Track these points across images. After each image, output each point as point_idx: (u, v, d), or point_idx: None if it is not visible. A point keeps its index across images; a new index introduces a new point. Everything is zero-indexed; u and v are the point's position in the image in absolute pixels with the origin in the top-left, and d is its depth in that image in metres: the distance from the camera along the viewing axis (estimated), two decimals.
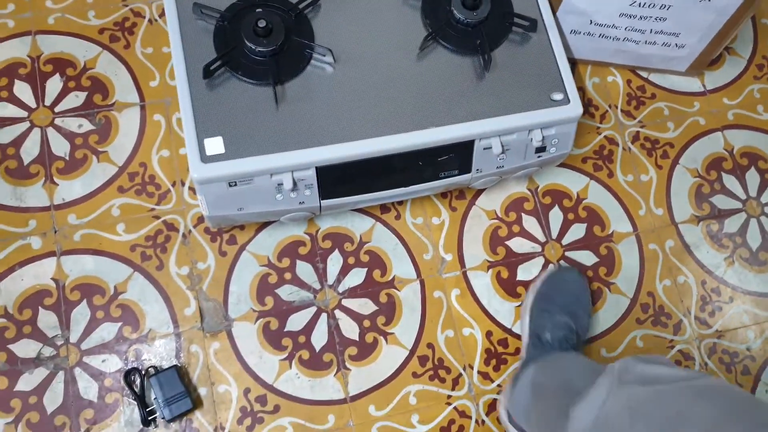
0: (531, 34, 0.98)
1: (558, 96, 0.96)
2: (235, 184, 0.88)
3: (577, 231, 1.10)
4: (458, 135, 0.93)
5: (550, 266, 1.07)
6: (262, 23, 0.88)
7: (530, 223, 1.10)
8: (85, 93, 1.09)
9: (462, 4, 0.95)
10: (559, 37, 0.98)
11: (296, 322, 0.99)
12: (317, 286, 1.02)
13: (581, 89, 1.20)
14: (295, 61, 0.92)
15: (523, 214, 1.10)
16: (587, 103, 1.20)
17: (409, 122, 0.91)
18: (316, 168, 0.90)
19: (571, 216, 1.11)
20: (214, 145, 0.87)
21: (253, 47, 0.89)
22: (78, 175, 1.04)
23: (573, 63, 1.21)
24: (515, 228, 1.09)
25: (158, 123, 1.08)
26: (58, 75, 1.10)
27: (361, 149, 0.90)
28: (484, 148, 0.96)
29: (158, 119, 1.09)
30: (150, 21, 1.14)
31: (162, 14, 1.14)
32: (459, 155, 0.97)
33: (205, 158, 0.86)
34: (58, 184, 1.03)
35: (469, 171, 0.99)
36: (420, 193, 1.03)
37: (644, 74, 1.23)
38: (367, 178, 0.96)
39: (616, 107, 1.20)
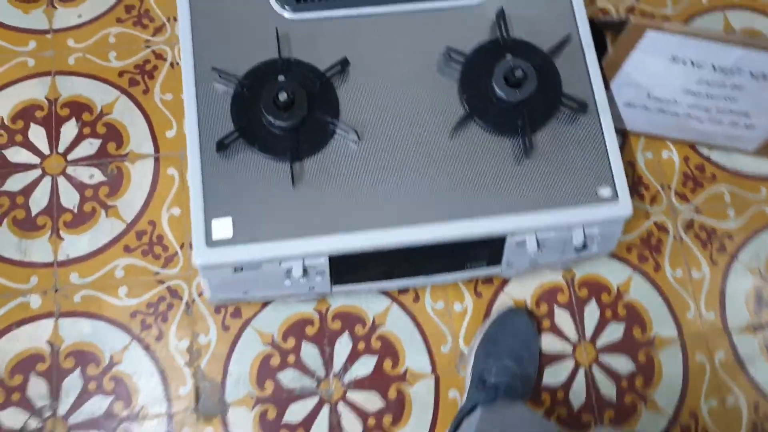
0: (580, 116, 0.88)
1: (605, 192, 0.86)
2: (241, 269, 0.81)
3: (614, 331, 1.00)
4: (489, 230, 0.84)
5: (502, 307, 0.97)
6: (283, 96, 0.81)
7: (563, 318, 1.00)
8: (100, 141, 1.04)
9: (504, 81, 0.85)
10: (612, 122, 0.88)
11: (296, 412, 0.91)
12: (322, 373, 0.94)
13: (631, 164, 1.09)
14: (317, 135, 0.84)
15: (555, 306, 1.00)
16: (637, 181, 1.09)
17: (435, 212, 0.83)
18: (330, 256, 0.82)
19: (608, 313, 1.01)
20: (222, 227, 0.80)
21: (272, 120, 0.82)
22: (85, 230, 0.99)
23: (624, 134, 1.10)
24: (546, 323, 0.99)
25: (171, 178, 1.02)
26: (74, 119, 1.05)
27: (380, 240, 0.82)
28: (518, 243, 0.86)
29: (172, 173, 1.02)
30: (172, 65, 1.08)
31: None
32: (489, 247, 0.87)
33: (211, 242, 0.79)
34: (63, 239, 0.98)
35: (498, 263, 0.90)
36: (442, 282, 0.94)
37: (705, 151, 1.11)
38: (385, 266, 0.87)
39: (670, 188, 1.08)
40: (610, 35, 0.95)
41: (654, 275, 1.04)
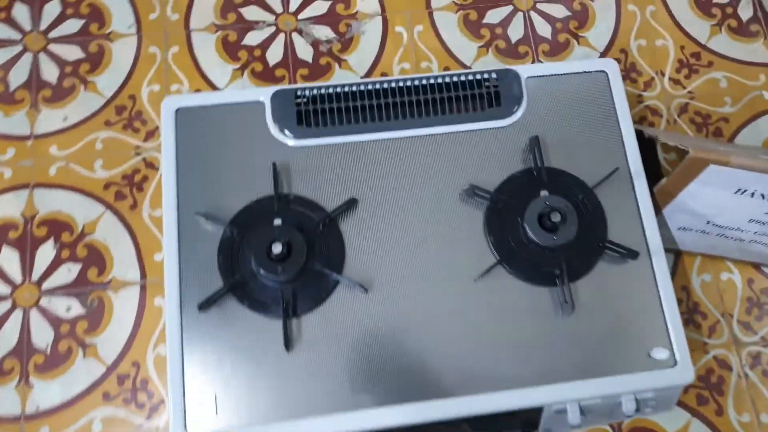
0: (629, 261, 0.74)
1: (661, 354, 0.72)
2: None
3: None
4: (522, 404, 0.70)
5: None
6: (277, 248, 0.68)
7: None
8: (80, 266, 0.92)
9: (539, 223, 0.72)
10: (667, 270, 0.74)
11: None
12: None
13: (685, 289, 0.94)
14: (316, 288, 0.71)
15: None
16: (692, 308, 0.94)
17: (458, 383, 0.70)
18: None
19: None
20: (204, 409, 0.68)
21: (265, 274, 0.69)
22: (58, 374, 0.87)
23: (676, 254, 0.95)
24: None
25: (158, 310, 0.90)
26: (51, 240, 0.93)
27: (394, 419, 0.68)
28: (557, 411, 0.73)
29: (159, 304, 0.90)
30: None
31: None
32: (522, 416, 0.74)
33: (193, 426, 0.67)
34: (33, 386, 0.86)
35: (534, 430, 0.76)
36: None
37: None
38: None
39: (731, 317, 0.93)
40: (661, 146, 0.81)
41: (716, 420, 0.89)
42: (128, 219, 0.95)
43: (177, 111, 0.78)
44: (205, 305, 0.69)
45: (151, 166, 0.98)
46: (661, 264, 0.74)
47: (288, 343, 0.69)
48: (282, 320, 0.69)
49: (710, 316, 0.94)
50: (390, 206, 0.75)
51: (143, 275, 0.92)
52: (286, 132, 0.77)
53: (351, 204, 0.74)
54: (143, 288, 0.91)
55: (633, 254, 0.72)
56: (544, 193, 0.74)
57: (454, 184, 0.76)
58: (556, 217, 0.70)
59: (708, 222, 0.84)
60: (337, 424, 0.68)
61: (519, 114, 0.79)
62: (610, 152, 0.78)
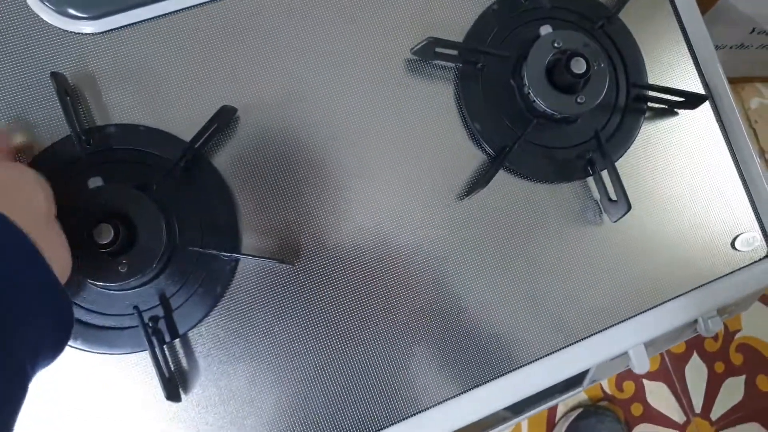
0: (681, 115, 0.47)
1: (749, 243, 0.47)
2: None
3: (731, 391, 0.66)
4: (575, 369, 0.45)
5: (571, 406, 0.64)
6: (104, 235, 0.36)
7: (658, 395, 0.64)
8: None
9: (549, 82, 0.42)
10: (739, 118, 0.47)
11: None
12: None
13: None
14: (201, 284, 0.40)
15: (645, 381, 0.64)
16: None
17: (469, 370, 0.43)
18: None
19: (719, 367, 0.66)
20: None
21: (99, 283, 0.37)
22: None
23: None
24: (636, 409, 0.64)
25: None
26: None
27: None
28: (612, 359, 0.48)
29: None
30: None
31: None
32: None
33: None
34: None
35: (579, 385, 0.52)
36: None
37: None
38: None
39: None
40: None
41: None
42: None
43: None
44: None
45: None
46: (730, 110, 0.47)
47: (171, 392, 0.38)
48: (150, 354, 0.38)
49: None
50: (292, 108, 0.43)
51: None
52: (71, 11, 0.41)
53: (225, 117, 0.40)
54: None
55: (694, 100, 0.45)
56: (545, 29, 0.44)
57: (396, 47, 0.44)
58: (578, 67, 0.41)
59: (753, 30, 0.57)
60: None
61: None
62: None
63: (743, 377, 0.67)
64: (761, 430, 0.66)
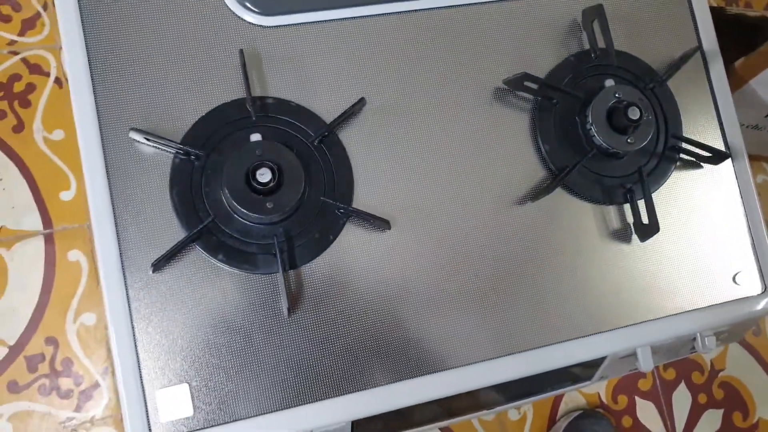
0: (704, 168, 0.59)
1: (748, 279, 0.58)
2: None
3: (710, 421, 0.76)
4: (591, 354, 0.55)
5: (570, 408, 0.73)
6: (264, 176, 0.47)
7: (647, 412, 0.74)
8: None
9: (608, 122, 0.54)
10: (751, 176, 0.59)
11: None
12: None
13: None
14: (319, 228, 0.51)
15: (637, 397, 0.74)
16: None
17: (512, 336, 0.53)
18: (354, 422, 0.51)
19: (702, 398, 0.76)
20: (175, 401, 0.47)
21: (248, 214, 0.48)
22: None
23: None
24: (626, 421, 0.74)
25: (75, 265, 0.66)
26: None
27: (432, 391, 0.51)
28: (622, 358, 0.59)
29: (75, 259, 0.66)
30: (58, 81, 0.69)
31: None
32: (580, 367, 0.59)
33: (159, 426, 0.46)
34: None
35: (588, 379, 0.62)
36: (502, 409, 0.65)
37: None
38: (433, 413, 0.58)
39: None
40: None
41: (754, 341, 0.79)
42: (14, 146, 0.68)
43: None
44: (161, 263, 0.47)
45: (38, 70, 0.70)
46: (743, 170, 0.59)
47: (289, 307, 0.49)
48: (279, 275, 0.48)
49: None
50: (406, 109, 0.54)
51: (47, 222, 0.67)
52: (249, 4, 0.53)
53: (357, 107, 0.52)
54: (49, 239, 0.66)
55: (719, 156, 0.57)
56: (609, 82, 0.56)
57: (489, 75, 0.56)
58: (633, 114, 0.53)
59: (767, 115, 0.70)
60: (358, 407, 0.50)
61: None
62: (678, 31, 0.60)
63: (722, 411, 0.77)
64: None
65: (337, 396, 0.49)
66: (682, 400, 0.76)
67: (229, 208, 0.49)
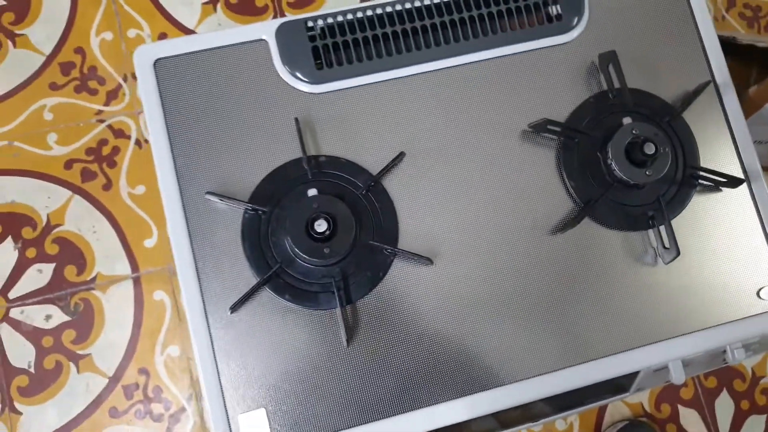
0: (724, 192, 0.63)
1: None
2: None
3: (753, 427, 0.79)
4: (623, 370, 0.60)
5: (615, 419, 0.77)
6: (321, 226, 0.54)
7: (689, 420, 0.78)
8: (52, 266, 0.76)
9: (627, 158, 0.60)
10: None
11: None
12: None
13: None
14: (370, 267, 0.58)
15: (679, 406, 0.78)
16: None
17: (548, 356, 0.59)
18: None
19: (745, 404, 0.79)
20: (254, 423, 0.55)
21: (308, 259, 0.56)
22: (49, 396, 0.72)
23: None
24: (671, 428, 0.77)
25: (160, 304, 0.75)
26: (10, 239, 0.76)
27: (478, 408, 0.58)
28: (656, 371, 0.63)
29: (160, 298, 0.76)
30: (138, 143, 0.79)
31: None
32: (616, 382, 0.64)
33: None
34: (21, 413, 0.71)
35: (626, 392, 0.67)
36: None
37: None
38: (485, 426, 0.64)
39: None
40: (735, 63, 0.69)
41: None
42: (103, 202, 0.78)
43: (156, 63, 0.61)
44: (238, 305, 0.55)
45: (121, 134, 0.80)
46: (762, 191, 0.63)
47: (348, 337, 0.56)
48: (337, 310, 0.56)
49: None
50: (442, 156, 0.61)
51: (135, 267, 0.77)
52: (300, 76, 0.61)
53: (398, 159, 0.59)
54: (137, 281, 0.76)
55: (735, 182, 0.61)
56: (627, 120, 0.61)
57: (516, 120, 0.62)
58: (649, 149, 0.58)
59: None
60: (416, 424, 0.56)
61: (581, 27, 0.65)
62: (690, 66, 0.65)
63: (765, 416, 0.80)
64: None
65: (394, 415, 0.56)
66: (724, 407, 0.80)
67: (293, 255, 0.57)
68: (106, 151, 0.79)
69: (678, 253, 0.58)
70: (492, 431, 0.67)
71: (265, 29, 0.62)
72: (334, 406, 0.56)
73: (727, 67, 0.67)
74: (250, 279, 0.57)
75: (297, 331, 0.57)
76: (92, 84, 0.80)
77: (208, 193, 0.57)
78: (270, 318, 0.57)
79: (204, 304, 0.56)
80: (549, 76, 0.64)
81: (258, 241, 0.57)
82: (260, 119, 0.60)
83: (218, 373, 0.55)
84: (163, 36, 0.82)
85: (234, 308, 0.55)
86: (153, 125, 0.59)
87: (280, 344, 0.56)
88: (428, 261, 0.58)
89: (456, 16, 0.63)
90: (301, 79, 0.61)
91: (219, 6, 0.84)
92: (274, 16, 0.85)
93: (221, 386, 0.55)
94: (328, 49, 0.62)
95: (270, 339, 0.56)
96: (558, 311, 0.59)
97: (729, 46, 0.70)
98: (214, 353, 0.56)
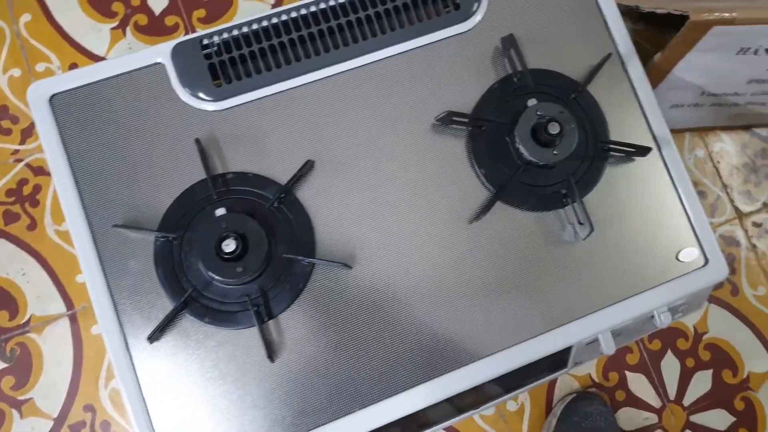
0: (636, 161, 0.64)
1: (690, 255, 0.63)
2: None
3: (700, 382, 0.80)
4: (554, 347, 0.61)
5: (564, 392, 0.78)
6: (229, 246, 0.54)
7: (638, 384, 0.79)
8: None
9: (534, 140, 0.60)
10: (681, 160, 0.64)
11: None
12: None
13: None
14: (289, 280, 0.58)
15: (627, 372, 0.79)
16: None
17: (478, 343, 0.59)
18: None
19: (690, 362, 0.81)
20: None
21: (220, 279, 0.55)
22: None
23: None
24: (619, 394, 0.79)
25: (98, 339, 0.74)
26: None
27: (414, 403, 0.58)
28: (588, 344, 0.64)
29: (97, 332, 0.75)
30: None
31: None
32: (550, 359, 0.65)
33: None
34: None
35: (564, 367, 0.68)
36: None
37: (765, 132, 0.89)
38: (420, 421, 0.64)
39: (730, 189, 0.87)
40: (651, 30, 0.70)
41: (733, 301, 0.83)
42: (30, 242, 0.77)
43: (52, 99, 0.60)
44: (156, 334, 0.55)
45: (41, 171, 0.79)
46: (672, 156, 0.64)
47: (271, 353, 0.56)
48: (257, 328, 0.55)
49: (709, 193, 0.87)
50: (353, 159, 0.61)
51: (69, 304, 0.76)
52: (200, 95, 0.60)
53: (307, 167, 0.59)
54: (73, 318, 0.75)
55: (643, 150, 0.62)
56: (531, 101, 0.62)
57: (424, 115, 0.62)
58: (554, 129, 0.58)
59: (702, 93, 0.74)
60: (358, 426, 0.57)
61: (480, 13, 0.65)
62: (592, 39, 0.65)
63: (711, 371, 0.82)
64: (726, 414, 0.80)
65: (334, 420, 0.56)
66: (670, 367, 0.81)
67: (207, 277, 0.56)
68: (27, 190, 0.78)
69: (592, 229, 0.59)
70: (450, 416, 0.68)
71: (161, 52, 0.61)
72: (264, 422, 0.56)
73: (645, 34, 0.68)
74: (168, 307, 0.56)
75: (222, 352, 0.57)
76: (5, 124, 0.78)
77: (115, 225, 0.56)
78: (194, 343, 0.56)
79: (125, 337, 0.56)
80: (454, 66, 0.64)
81: (172, 268, 0.57)
82: (165, 143, 0.60)
83: (144, 401, 0.55)
84: (74, 66, 0.81)
85: (152, 338, 0.55)
86: (54, 162, 0.58)
87: (208, 368, 0.56)
88: (346, 266, 0.58)
89: (353, 17, 0.63)
90: (202, 98, 0.60)
91: (128, 29, 0.83)
92: (186, 33, 0.83)
93: (148, 414, 0.55)
94: (225, 64, 0.61)
95: (197, 364, 0.56)
96: (486, 297, 0.60)
97: (646, 13, 0.70)
98: (138, 383, 0.55)
